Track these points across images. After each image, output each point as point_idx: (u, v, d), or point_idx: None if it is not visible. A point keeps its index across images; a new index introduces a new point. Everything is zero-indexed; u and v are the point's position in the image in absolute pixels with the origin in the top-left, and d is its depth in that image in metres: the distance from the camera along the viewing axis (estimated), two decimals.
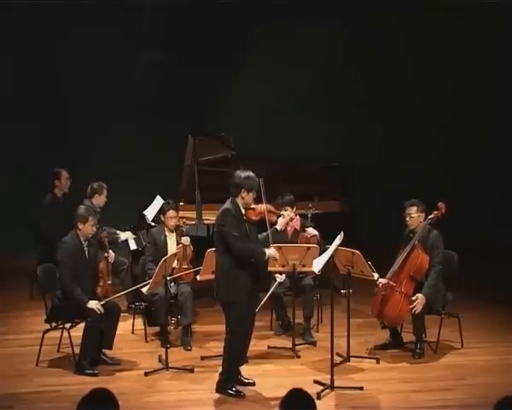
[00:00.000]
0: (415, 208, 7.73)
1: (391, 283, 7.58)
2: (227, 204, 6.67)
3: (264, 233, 7.13)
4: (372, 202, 11.51)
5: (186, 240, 8.30)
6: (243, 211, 6.66)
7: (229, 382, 6.74)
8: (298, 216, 8.48)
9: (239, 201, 6.65)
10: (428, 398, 6.65)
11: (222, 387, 6.74)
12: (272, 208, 7.12)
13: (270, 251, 6.74)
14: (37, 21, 11.87)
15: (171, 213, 8.33)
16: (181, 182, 9.84)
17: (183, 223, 8.50)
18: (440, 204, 7.73)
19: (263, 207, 6.83)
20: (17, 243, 10.66)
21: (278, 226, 7.18)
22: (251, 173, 6.68)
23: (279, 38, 12.33)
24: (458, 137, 12.67)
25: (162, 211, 8.47)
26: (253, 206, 6.73)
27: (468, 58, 12.66)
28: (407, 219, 7.75)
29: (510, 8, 12.02)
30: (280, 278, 8.06)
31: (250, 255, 6.59)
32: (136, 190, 10.83)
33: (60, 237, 7.58)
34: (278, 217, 7.16)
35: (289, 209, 8.19)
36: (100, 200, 9.07)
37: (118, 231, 9.30)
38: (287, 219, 7.73)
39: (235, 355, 6.74)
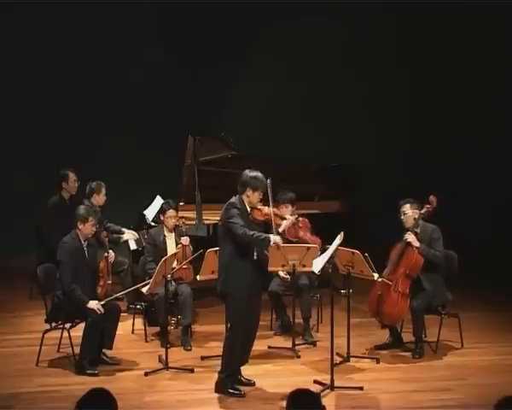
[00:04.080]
0: (408, 206, 7.74)
1: (386, 281, 7.57)
2: (233, 199, 6.69)
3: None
4: (372, 202, 11.50)
5: (185, 240, 8.31)
6: (249, 209, 6.67)
7: (229, 381, 6.72)
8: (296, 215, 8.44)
9: (244, 199, 6.67)
10: (428, 398, 6.65)
11: (221, 386, 6.72)
12: (279, 212, 7.12)
13: (275, 237, 6.69)
14: (38, 21, 11.84)
15: (171, 212, 8.34)
16: (181, 182, 9.84)
17: (183, 223, 8.51)
18: (432, 197, 7.66)
19: (270, 209, 6.82)
20: (17, 243, 10.65)
21: (280, 228, 7.17)
22: (259, 174, 6.69)
23: (279, 38, 12.32)
24: (458, 137, 12.64)
25: (162, 211, 8.48)
26: (259, 206, 6.73)
27: (468, 58, 12.64)
28: (402, 217, 7.76)
29: (510, 7, 12.01)
30: (282, 272, 8.05)
31: (255, 241, 6.55)
32: (136, 190, 10.82)
33: None
34: (283, 219, 7.17)
35: (289, 207, 8.18)
36: (98, 199, 9.07)
37: (123, 229, 9.31)
38: (290, 222, 7.72)
39: (234, 354, 6.70)
